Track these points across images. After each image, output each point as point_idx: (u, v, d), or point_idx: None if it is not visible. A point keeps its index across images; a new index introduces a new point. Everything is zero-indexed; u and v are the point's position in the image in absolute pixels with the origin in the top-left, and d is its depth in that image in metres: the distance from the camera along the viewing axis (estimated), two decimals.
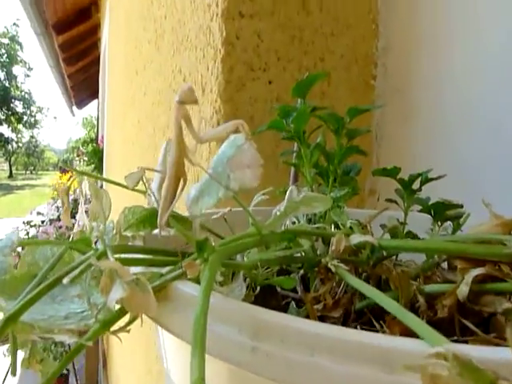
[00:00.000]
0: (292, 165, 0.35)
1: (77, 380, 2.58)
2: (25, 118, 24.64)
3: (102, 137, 4.20)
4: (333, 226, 0.29)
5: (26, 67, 24.04)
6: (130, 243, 0.26)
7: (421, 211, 0.29)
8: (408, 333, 0.15)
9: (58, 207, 3.99)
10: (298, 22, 0.55)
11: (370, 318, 0.23)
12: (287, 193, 0.23)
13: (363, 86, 0.61)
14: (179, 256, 0.22)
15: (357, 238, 0.23)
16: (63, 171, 6.23)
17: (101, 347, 2.74)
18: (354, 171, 0.33)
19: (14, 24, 22.89)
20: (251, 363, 0.15)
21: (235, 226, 0.29)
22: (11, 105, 23.51)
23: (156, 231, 0.25)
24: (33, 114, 25.09)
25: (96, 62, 4.78)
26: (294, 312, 0.24)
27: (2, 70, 22.63)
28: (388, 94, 0.61)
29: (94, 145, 5.02)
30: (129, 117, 1.51)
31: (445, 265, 0.25)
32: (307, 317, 0.22)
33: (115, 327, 0.19)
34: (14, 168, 27.96)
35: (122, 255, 0.23)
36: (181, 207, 0.24)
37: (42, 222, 3.97)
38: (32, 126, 25.49)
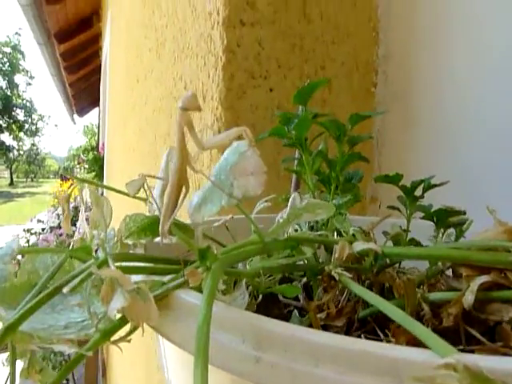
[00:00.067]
0: (294, 172, 0.35)
1: None
2: (26, 126, 24.80)
3: (103, 144, 4.21)
4: (335, 234, 0.29)
5: (27, 76, 24.24)
6: (131, 251, 0.25)
7: (423, 218, 0.29)
8: (414, 342, 0.15)
9: (58, 215, 3.98)
10: (299, 30, 0.55)
11: (374, 326, 0.22)
12: (290, 200, 0.22)
13: (364, 93, 0.61)
14: (181, 264, 0.21)
15: (360, 246, 0.22)
16: (64, 179, 6.24)
17: (100, 356, 2.72)
18: (355, 178, 0.33)
19: (16, 33, 23.19)
20: (255, 374, 0.15)
21: (237, 234, 0.29)
22: (13, 113, 23.67)
23: (158, 239, 0.25)
24: (34, 122, 25.25)
25: (97, 70, 4.82)
26: (297, 321, 0.24)
27: (4, 79, 22.81)
28: (389, 101, 0.61)
29: (95, 152, 5.03)
30: (130, 124, 1.52)
31: (449, 272, 0.25)
32: (310, 326, 0.22)
33: (116, 337, 0.19)
34: (14, 176, 28.04)
35: (123, 263, 0.22)
36: (182, 215, 0.24)
37: (43, 229, 3.96)
38: (33, 133, 25.62)
